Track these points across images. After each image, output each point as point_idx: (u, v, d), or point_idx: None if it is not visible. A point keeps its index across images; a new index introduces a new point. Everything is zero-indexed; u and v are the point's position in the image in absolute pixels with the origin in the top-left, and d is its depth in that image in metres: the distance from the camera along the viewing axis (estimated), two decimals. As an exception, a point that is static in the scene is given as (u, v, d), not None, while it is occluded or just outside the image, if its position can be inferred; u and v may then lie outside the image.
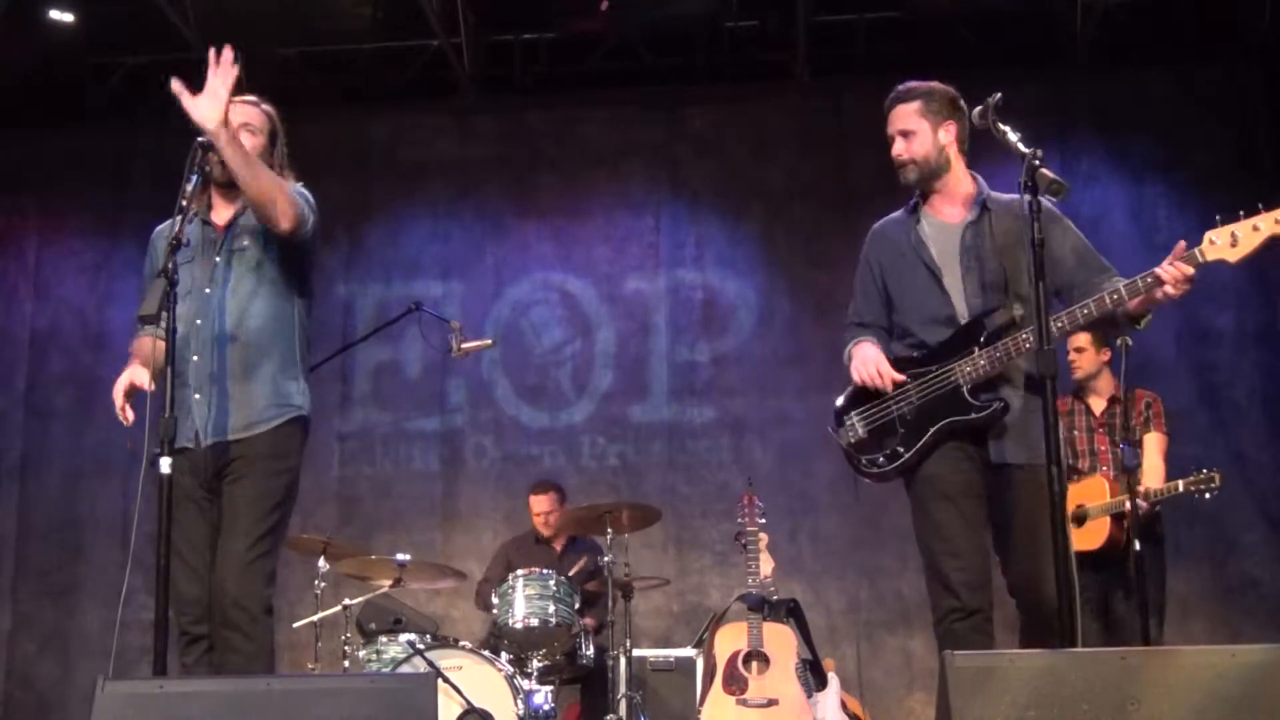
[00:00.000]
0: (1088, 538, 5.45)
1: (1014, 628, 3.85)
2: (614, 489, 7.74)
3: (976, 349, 3.63)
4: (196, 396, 3.64)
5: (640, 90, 8.35)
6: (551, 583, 5.70)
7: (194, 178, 3.56)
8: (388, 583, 5.66)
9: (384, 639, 5.50)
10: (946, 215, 3.83)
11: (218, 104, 3.44)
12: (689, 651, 6.37)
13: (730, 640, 5.39)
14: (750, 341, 8.01)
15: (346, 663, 5.51)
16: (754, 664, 5.30)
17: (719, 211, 8.21)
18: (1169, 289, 3.43)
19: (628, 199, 8.29)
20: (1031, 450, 3.54)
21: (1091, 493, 5.50)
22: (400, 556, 5.56)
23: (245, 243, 3.74)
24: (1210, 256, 3.44)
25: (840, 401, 3.88)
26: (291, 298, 3.80)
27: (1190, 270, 3.42)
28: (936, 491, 3.67)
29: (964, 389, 3.64)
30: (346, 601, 5.62)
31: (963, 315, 3.71)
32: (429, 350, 7.18)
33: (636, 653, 6.03)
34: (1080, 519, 5.48)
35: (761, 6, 7.79)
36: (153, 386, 3.62)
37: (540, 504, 6.80)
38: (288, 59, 8.24)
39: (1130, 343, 4.92)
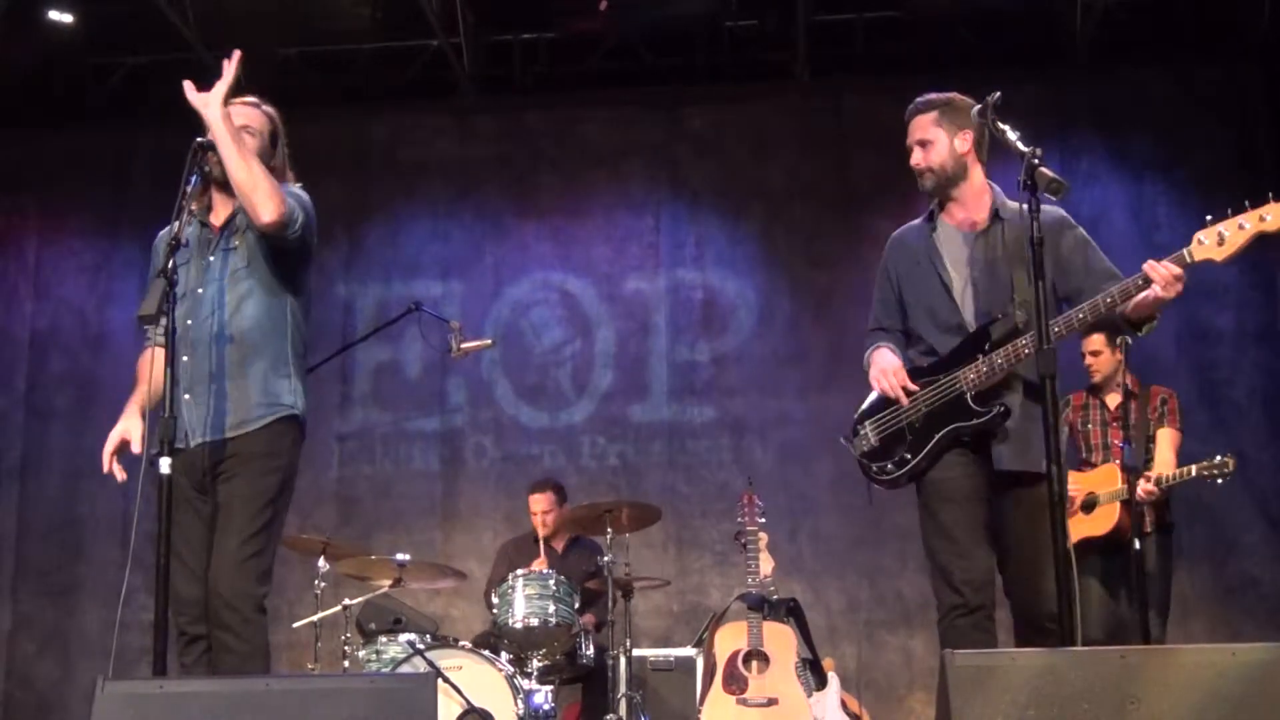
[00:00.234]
0: (1096, 523, 5.47)
1: (1013, 628, 3.86)
2: (614, 489, 7.74)
3: (980, 356, 3.68)
4: (187, 396, 3.63)
5: (640, 90, 8.35)
6: (551, 582, 5.70)
7: (194, 178, 3.56)
8: (387, 583, 5.65)
9: (384, 639, 5.50)
10: (962, 223, 3.89)
11: (218, 88, 3.51)
12: (689, 651, 6.36)
13: (730, 640, 5.39)
14: (750, 341, 8.01)
15: (346, 663, 5.51)
16: (754, 663, 5.30)
17: (719, 211, 8.21)
18: (1158, 290, 3.46)
19: (627, 199, 8.29)
20: (1033, 457, 3.56)
21: (1103, 480, 5.52)
22: (400, 556, 5.56)
23: (238, 242, 3.73)
24: (1198, 256, 3.47)
25: (857, 413, 3.99)
26: (284, 297, 3.79)
27: (1178, 270, 3.45)
28: (942, 495, 3.76)
29: (968, 395, 3.70)
30: (346, 601, 5.62)
31: (970, 324, 3.77)
32: (429, 350, 7.17)
33: (636, 652, 6.03)
34: (1090, 505, 5.51)
35: (761, 6, 7.79)
36: (140, 448, 3.64)
37: (539, 503, 6.80)
38: (288, 59, 8.24)
39: (1130, 341, 4.93)
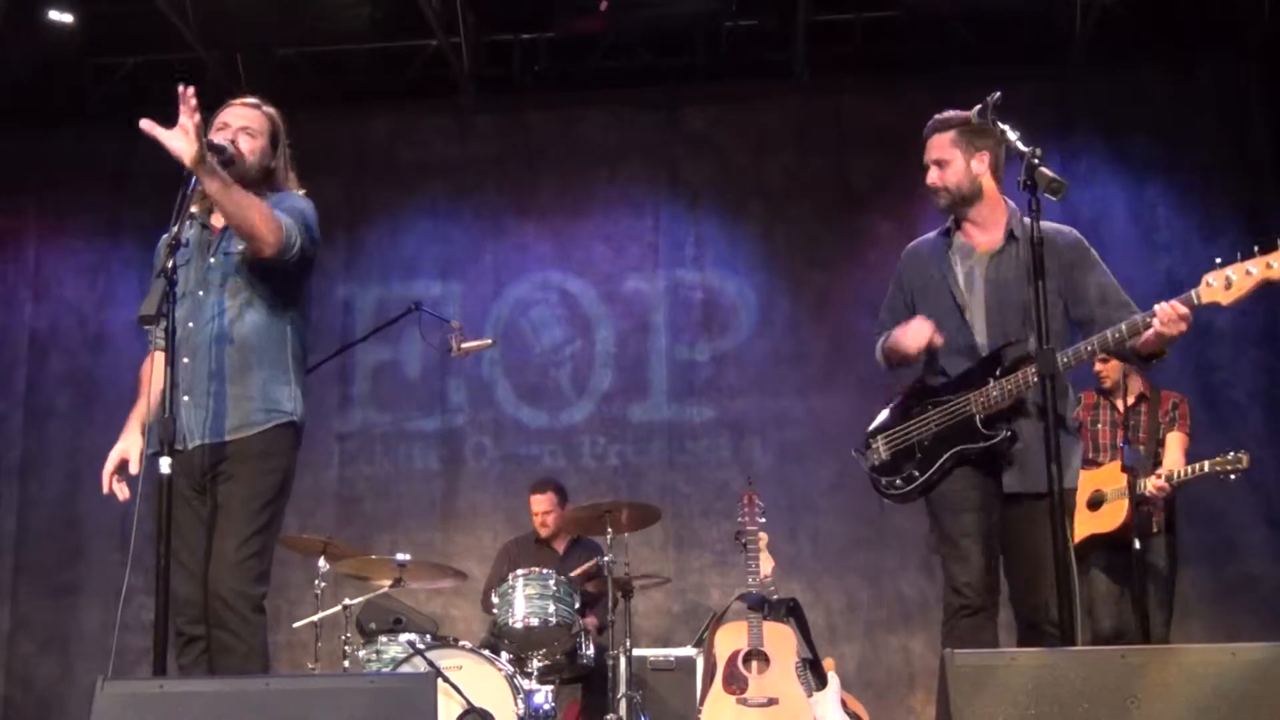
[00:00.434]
0: (1103, 520, 5.48)
1: (1013, 629, 3.87)
2: (614, 489, 7.74)
3: (992, 380, 3.74)
4: (185, 399, 3.63)
5: (639, 90, 8.35)
6: (551, 582, 5.70)
7: (194, 179, 3.55)
8: (387, 583, 5.66)
9: (384, 639, 5.50)
10: (977, 241, 3.94)
11: (190, 141, 3.39)
12: (689, 651, 6.37)
13: (730, 639, 5.39)
14: (750, 341, 8.01)
15: (346, 663, 5.51)
16: (754, 663, 5.30)
17: (718, 211, 8.21)
18: (1160, 327, 3.51)
19: (627, 199, 8.29)
20: (1040, 480, 3.55)
21: (1109, 478, 5.53)
22: (400, 556, 5.56)
23: (239, 246, 3.73)
24: (1205, 299, 3.52)
25: (870, 429, 4.05)
26: (285, 301, 3.79)
27: (1184, 310, 3.50)
28: (947, 503, 3.83)
29: (977, 418, 3.76)
30: (346, 601, 5.62)
31: (983, 347, 3.83)
32: (429, 350, 7.18)
33: (637, 652, 6.03)
34: (1096, 503, 5.53)
35: (760, 6, 7.78)
36: (138, 468, 3.64)
37: (540, 503, 6.80)
38: (287, 59, 8.24)
39: None
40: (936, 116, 3.96)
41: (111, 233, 8.39)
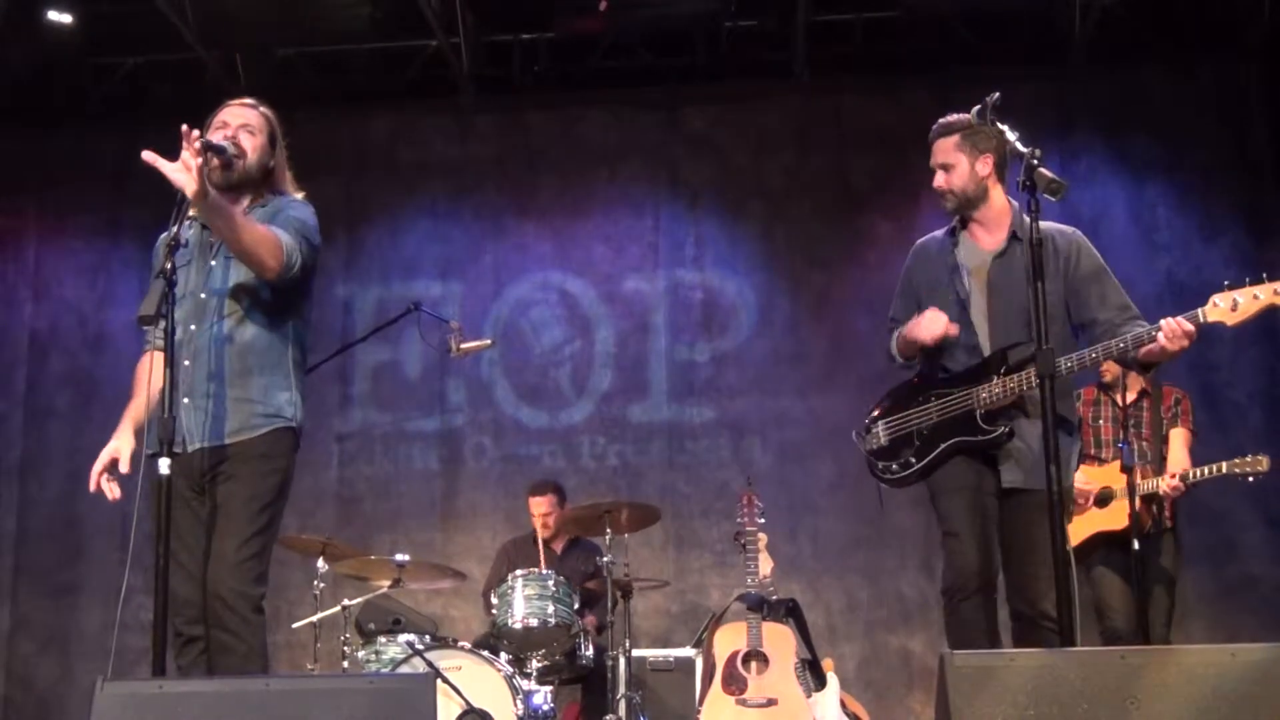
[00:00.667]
0: (1113, 517, 5.47)
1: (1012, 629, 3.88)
2: (614, 489, 7.74)
3: (995, 377, 3.83)
4: (185, 401, 3.62)
5: (639, 90, 8.35)
6: (550, 583, 5.70)
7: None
8: (387, 583, 5.66)
9: (383, 639, 5.50)
10: (982, 242, 4.02)
11: (192, 175, 3.38)
12: (688, 651, 6.36)
13: (729, 640, 5.39)
14: (750, 341, 8.01)
15: (345, 663, 5.51)
16: (753, 664, 5.30)
17: (718, 211, 8.21)
18: (1165, 342, 3.61)
19: (627, 199, 8.29)
20: (1038, 476, 3.63)
21: (1115, 476, 5.52)
22: (399, 557, 5.56)
23: None
24: (1211, 318, 3.63)
25: (874, 413, 4.16)
26: (287, 305, 3.79)
27: (1190, 327, 3.60)
28: (944, 488, 3.94)
29: (977, 413, 3.86)
30: (346, 602, 5.62)
31: (985, 346, 3.92)
32: (428, 350, 7.18)
33: (636, 653, 6.02)
34: (1104, 500, 5.52)
35: (760, 6, 7.78)
36: (127, 468, 3.63)
37: (539, 505, 6.80)
38: (287, 59, 8.24)
39: None
40: (941, 121, 4.01)
41: (111, 233, 8.39)
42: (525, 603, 5.62)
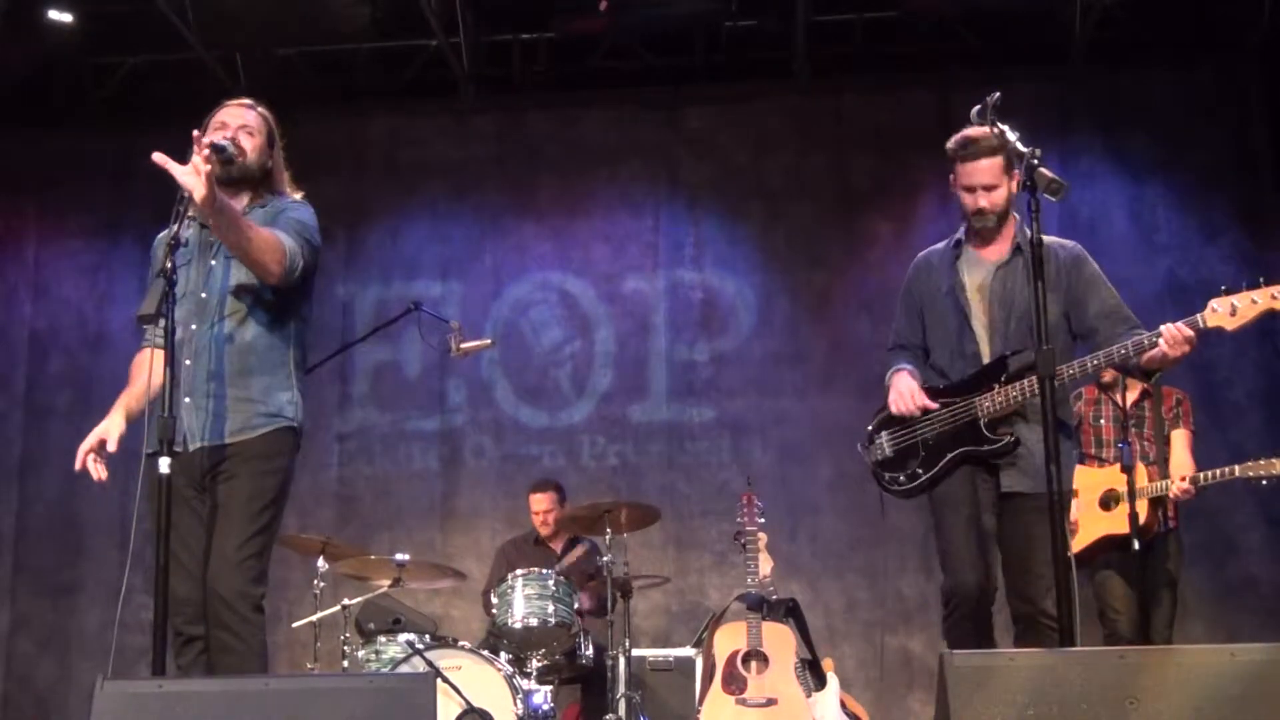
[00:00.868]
0: (1119, 520, 5.45)
1: (1011, 628, 3.88)
2: (614, 489, 7.73)
3: (997, 386, 3.88)
4: (187, 400, 3.63)
5: (639, 90, 8.35)
6: (550, 582, 5.70)
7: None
8: (387, 583, 5.66)
9: (383, 639, 5.50)
10: (986, 254, 4.06)
11: (201, 180, 3.39)
12: (688, 651, 6.36)
13: (729, 640, 5.39)
14: (749, 341, 8.01)
15: (345, 663, 5.51)
16: (753, 664, 5.29)
17: (718, 211, 8.21)
18: (1166, 349, 3.66)
19: (627, 199, 8.29)
20: (1039, 481, 3.64)
21: (1118, 477, 5.50)
22: (399, 556, 5.56)
23: None
24: (1211, 324, 3.69)
25: (872, 423, 4.18)
26: (288, 305, 3.79)
27: (1190, 333, 3.66)
28: (944, 505, 3.98)
29: (981, 422, 3.90)
30: (345, 601, 5.62)
31: (986, 354, 3.96)
32: (428, 350, 7.18)
33: (635, 652, 6.02)
34: (1109, 503, 5.50)
35: (760, 6, 7.78)
36: (114, 447, 3.66)
37: (540, 503, 6.81)
38: (287, 59, 8.24)
39: None
40: (979, 138, 3.91)
41: (111, 233, 8.39)
42: (525, 602, 5.62)
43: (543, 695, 5.37)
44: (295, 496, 3.85)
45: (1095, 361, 3.77)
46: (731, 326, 8.04)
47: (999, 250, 4.03)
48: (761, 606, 5.43)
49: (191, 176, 3.40)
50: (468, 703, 5.08)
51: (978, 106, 3.68)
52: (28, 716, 7.83)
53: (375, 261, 8.31)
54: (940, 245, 4.19)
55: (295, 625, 5.92)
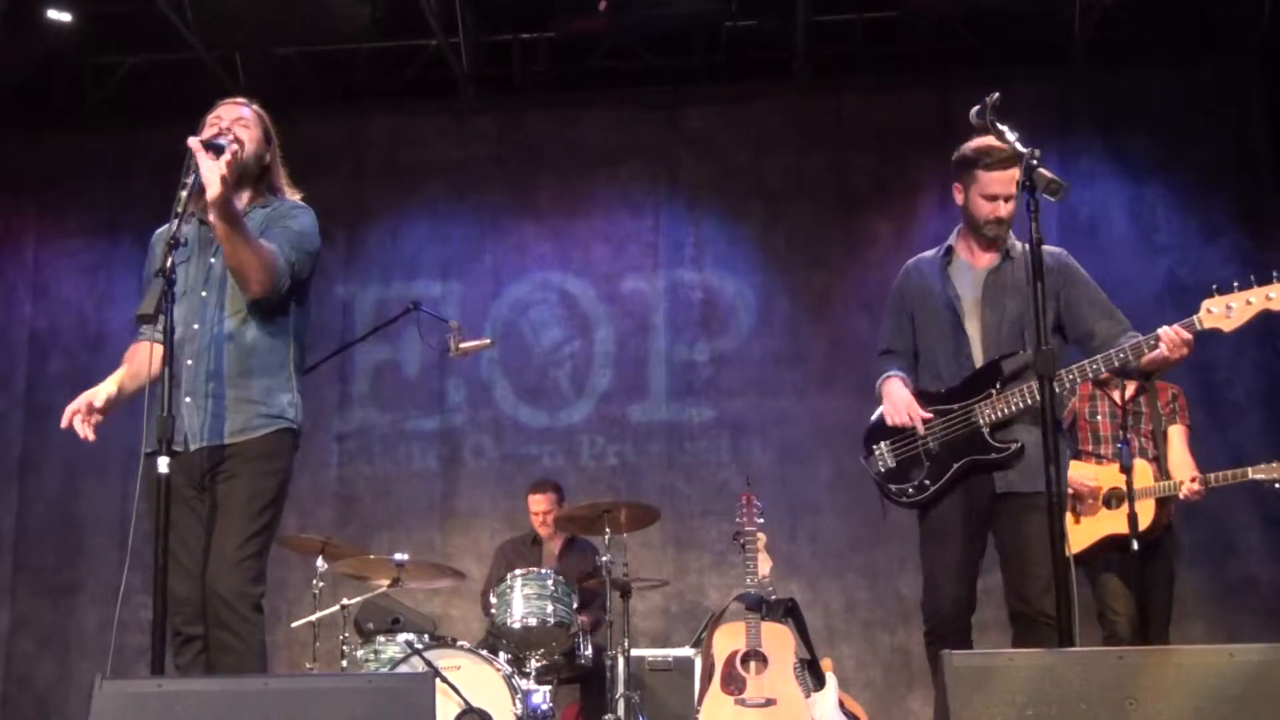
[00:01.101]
0: (1122, 520, 5.42)
1: (1008, 628, 3.89)
2: (613, 489, 7.73)
3: (994, 391, 3.90)
4: (188, 400, 3.62)
5: (639, 90, 8.35)
6: (549, 582, 5.70)
7: (193, 177, 3.55)
8: (386, 582, 5.66)
9: (382, 639, 5.50)
10: (977, 260, 4.09)
11: (219, 176, 3.44)
12: (687, 651, 6.36)
13: (728, 640, 5.38)
14: (749, 341, 8.01)
15: (344, 662, 5.51)
16: (752, 664, 5.29)
17: (718, 211, 8.21)
18: (1164, 351, 3.70)
19: (626, 199, 8.29)
20: (1037, 481, 3.65)
21: (1119, 475, 5.47)
22: (398, 556, 5.56)
23: None
24: (1207, 325, 3.73)
25: (866, 432, 4.19)
26: (287, 308, 3.78)
27: (1187, 336, 3.70)
28: (931, 531, 4.01)
29: (984, 430, 3.91)
30: (344, 601, 5.62)
31: (978, 358, 3.98)
32: (428, 350, 7.18)
33: (635, 652, 6.03)
34: (1110, 502, 5.47)
35: (760, 6, 7.78)
36: (101, 403, 3.67)
37: (539, 503, 6.81)
38: (287, 59, 8.24)
39: None
40: (1000, 147, 3.88)
41: (111, 232, 8.40)
42: (524, 602, 5.62)
43: (541, 695, 5.37)
44: (295, 496, 3.85)
45: (1095, 366, 3.79)
46: (731, 326, 8.04)
47: (989, 257, 4.06)
48: (760, 606, 5.43)
49: (214, 173, 3.44)
50: (467, 703, 5.08)
51: (977, 107, 3.67)
52: (27, 716, 7.83)
53: (375, 261, 8.31)
54: (929, 253, 4.22)
55: (294, 625, 5.93)
